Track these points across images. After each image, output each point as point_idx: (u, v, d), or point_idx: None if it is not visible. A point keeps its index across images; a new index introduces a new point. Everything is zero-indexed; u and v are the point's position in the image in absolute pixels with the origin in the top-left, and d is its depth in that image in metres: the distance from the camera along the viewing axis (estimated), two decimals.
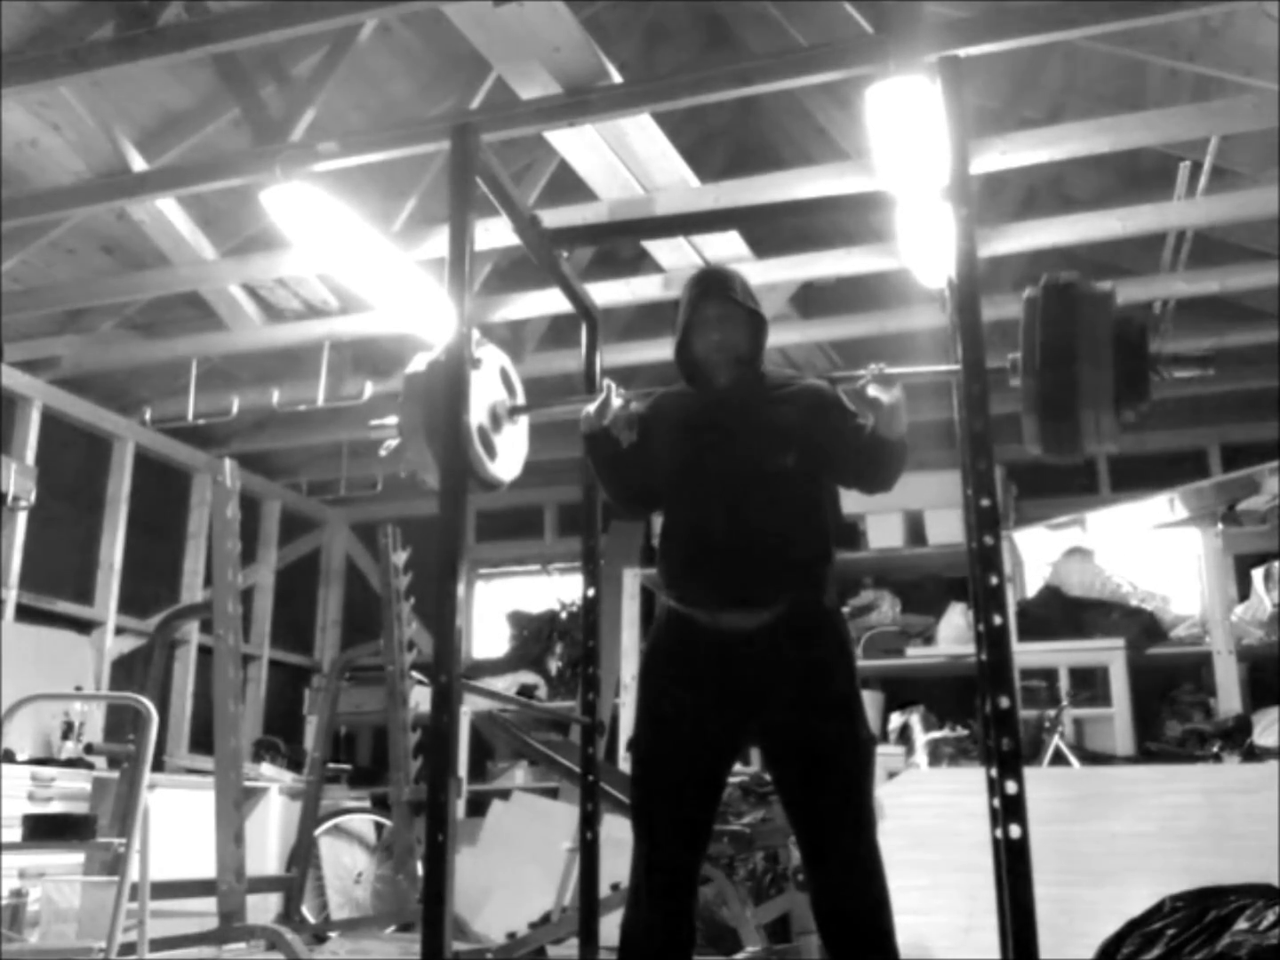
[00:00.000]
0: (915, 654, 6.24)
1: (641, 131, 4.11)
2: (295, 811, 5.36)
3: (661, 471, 2.55)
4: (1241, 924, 3.19)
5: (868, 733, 2.42)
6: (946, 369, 2.38)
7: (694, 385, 2.55)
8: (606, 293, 4.89)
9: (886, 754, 5.57)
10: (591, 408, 2.54)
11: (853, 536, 6.61)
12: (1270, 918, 3.16)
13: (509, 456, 2.67)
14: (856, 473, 2.50)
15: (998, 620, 2.00)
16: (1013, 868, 1.90)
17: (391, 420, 2.60)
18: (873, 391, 2.32)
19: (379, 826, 6.06)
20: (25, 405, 5.83)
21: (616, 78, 3.81)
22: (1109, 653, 5.69)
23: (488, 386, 2.61)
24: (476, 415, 2.43)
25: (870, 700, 6.10)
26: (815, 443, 2.45)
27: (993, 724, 1.96)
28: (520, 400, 2.77)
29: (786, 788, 2.42)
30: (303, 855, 5.01)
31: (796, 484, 2.45)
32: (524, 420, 2.81)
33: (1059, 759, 5.20)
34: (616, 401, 2.52)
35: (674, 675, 2.45)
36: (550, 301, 5.10)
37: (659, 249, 4.94)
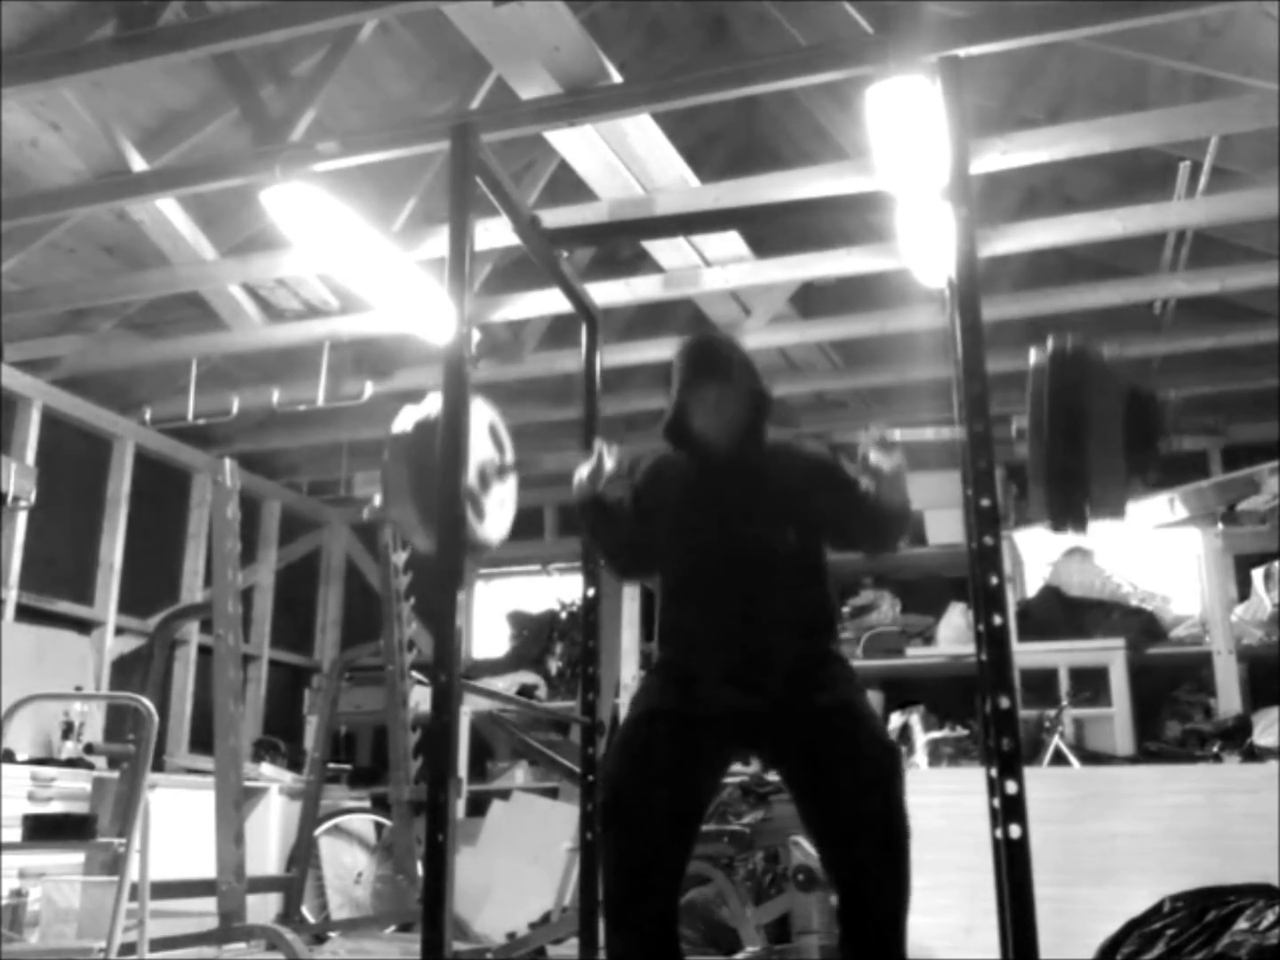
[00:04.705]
0: (915, 654, 6.24)
1: (641, 131, 4.10)
2: (295, 811, 5.36)
3: (660, 544, 2.50)
4: (1241, 924, 3.19)
5: (895, 770, 2.27)
6: (949, 431, 2.30)
7: (691, 454, 2.49)
8: (606, 293, 4.89)
9: None
10: (584, 472, 2.46)
11: None
12: (1270, 918, 3.16)
13: (498, 516, 2.58)
14: (857, 538, 2.47)
15: (998, 620, 2.01)
16: (1013, 868, 1.90)
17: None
18: (874, 459, 2.28)
19: (379, 826, 6.06)
20: (25, 405, 5.82)
21: (616, 78, 3.81)
22: (1109, 653, 5.69)
23: (476, 444, 2.47)
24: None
25: (871, 700, 6.09)
26: (815, 515, 2.42)
27: (993, 724, 1.96)
28: (510, 456, 2.68)
29: (817, 829, 2.32)
30: (303, 855, 5.01)
31: (799, 560, 2.41)
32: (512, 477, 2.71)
33: (1059, 759, 5.20)
34: (609, 464, 2.44)
35: (669, 733, 2.34)
36: (550, 301, 5.10)
37: (659, 249, 4.93)
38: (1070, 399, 2.14)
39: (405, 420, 2.49)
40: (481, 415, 2.56)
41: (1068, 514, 2.17)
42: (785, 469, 2.46)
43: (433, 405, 2.44)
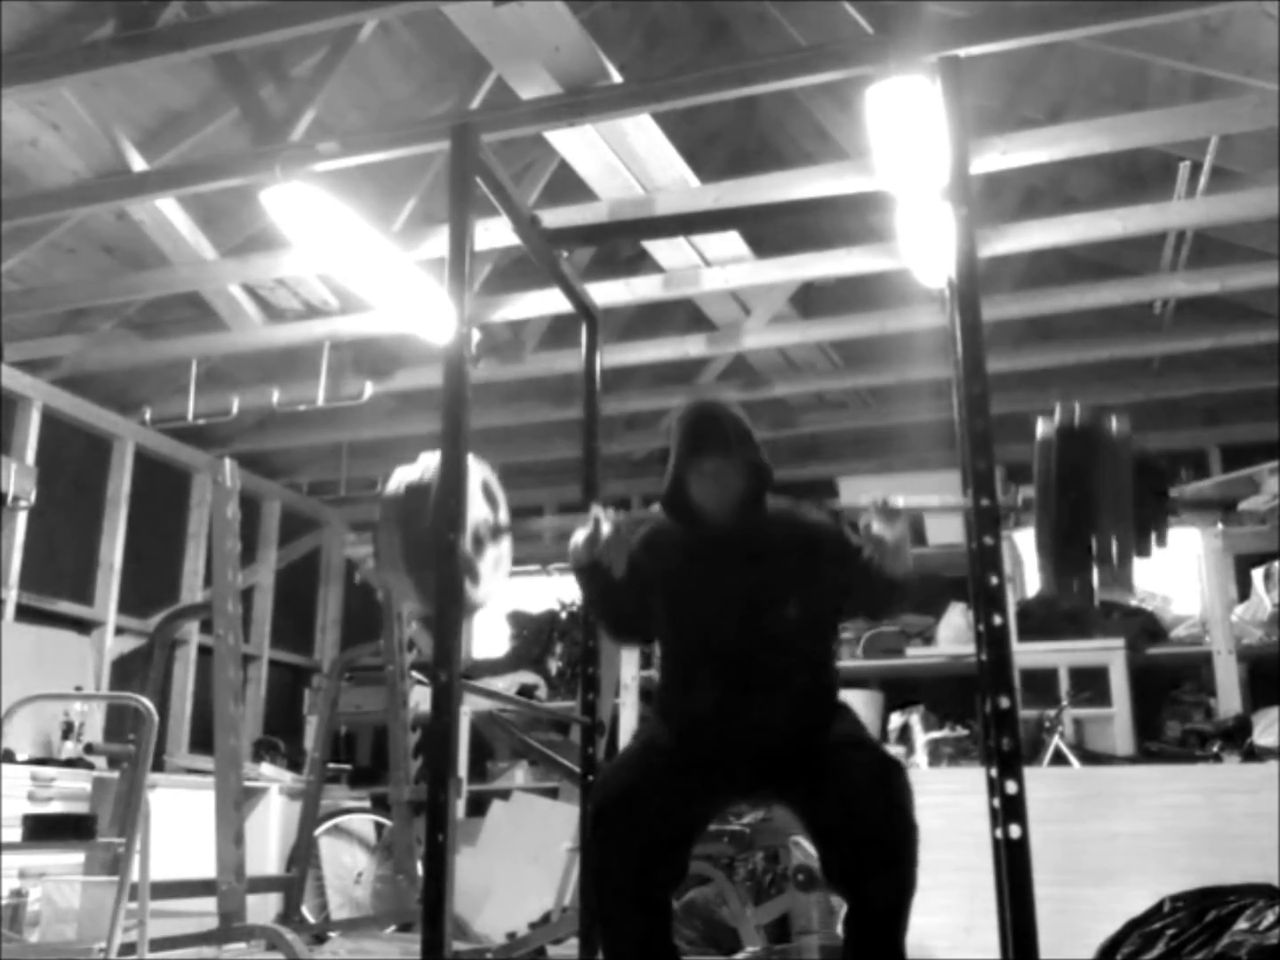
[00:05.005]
0: (915, 654, 6.23)
1: (641, 131, 4.10)
2: (295, 811, 5.36)
3: (659, 617, 2.48)
4: (1241, 924, 3.19)
5: (899, 781, 2.24)
6: (954, 499, 2.26)
7: (690, 526, 2.45)
8: (606, 293, 4.89)
9: None
10: (580, 539, 2.43)
11: None
12: (1270, 918, 3.16)
13: (492, 577, 2.51)
14: (858, 607, 2.44)
15: (998, 620, 2.01)
16: (1013, 868, 1.90)
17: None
18: (876, 529, 2.24)
19: (379, 826, 6.06)
20: (25, 405, 5.82)
21: (616, 78, 3.81)
22: (1109, 653, 5.69)
23: (470, 504, 2.39)
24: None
25: (870, 700, 6.10)
26: (816, 585, 2.39)
27: (993, 724, 1.96)
28: (504, 512, 2.62)
29: (822, 839, 2.31)
30: (303, 855, 5.01)
31: (801, 635, 2.39)
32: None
33: (1059, 759, 5.20)
34: (606, 529, 2.41)
35: (668, 760, 2.34)
36: (550, 301, 5.10)
37: (659, 249, 4.93)
38: (1079, 479, 2.09)
39: (397, 482, 2.42)
40: (475, 473, 2.46)
41: (1074, 591, 2.14)
42: (786, 540, 2.41)
43: (425, 465, 2.38)
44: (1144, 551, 2.12)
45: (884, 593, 2.35)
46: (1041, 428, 2.17)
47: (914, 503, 2.26)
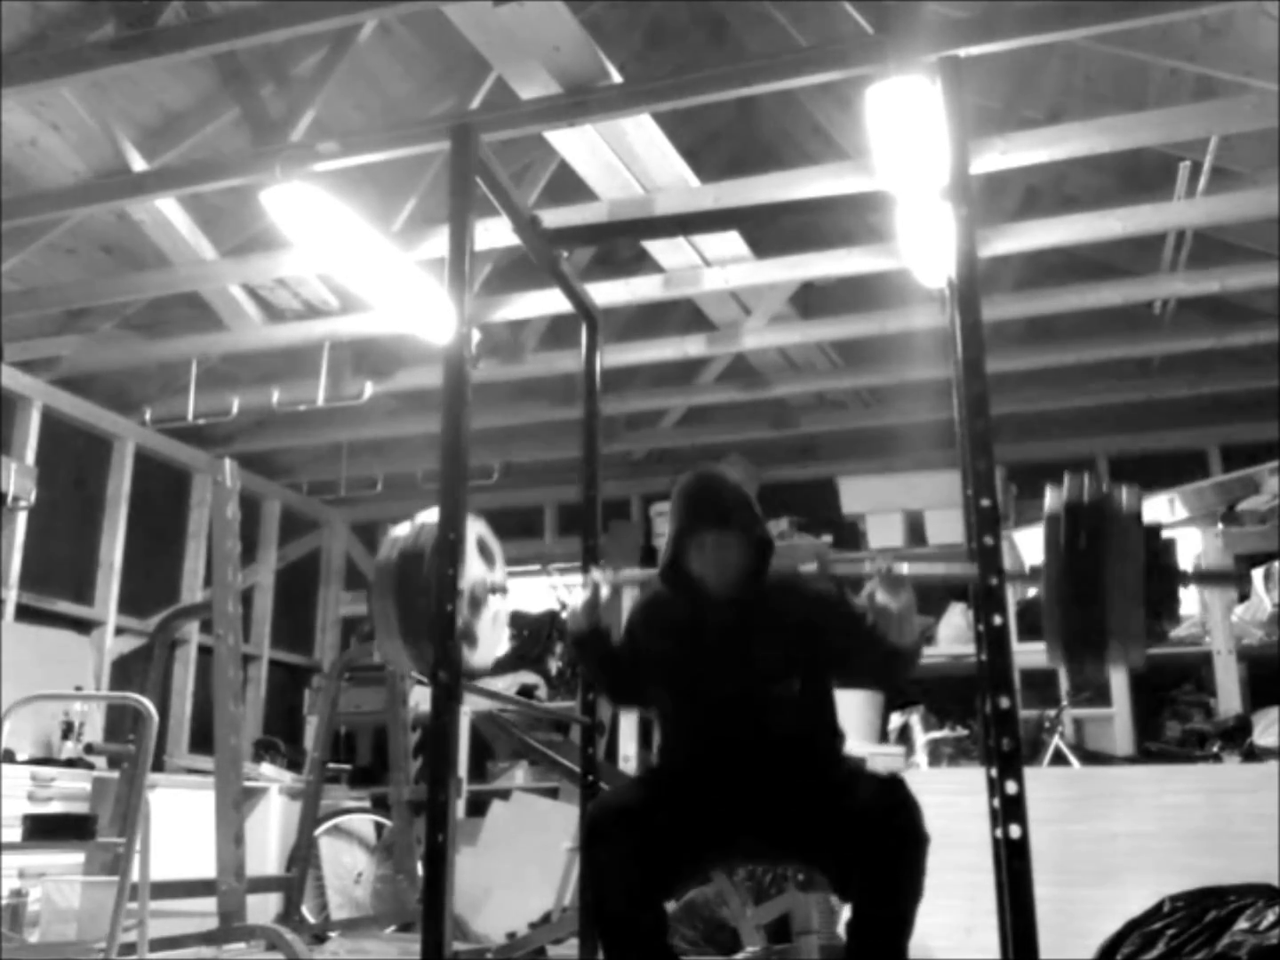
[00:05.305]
0: None
1: (641, 131, 4.11)
2: (295, 811, 5.36)
3: (657, 684, 2.47)
4: (1241, 924, 3.19)
5: (903, 794, 2.25)
6: (961, 569, 2.21)
7: (689, 597, 2.41)
8: (606, 293, 4.89)
9: (886, 754, 5.57)
10: (579, 606, 2.41)
11: (853, 536, 6.62)
12: (1270, 918, 3.16)
13: (490, 637, 2.47)
14: (863, 676, 2.41)
15: (998, 620, 2.01)
16: (1013, 868, 1.90)
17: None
18: (881, 598, 2.22)
19: (379, 826, 6.06)
20: (25, 405, 5.82)
21: (616, 78, 3.81)
22: None
23: (465, 565, 2.31)
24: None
25: (870, 700, 6.09)
26: (818, 657, 2.37)
27: (993, 724, 1.96)
28: (500, 568, 2.58)
29: (828, 859, 2.30)
30: (303, 855, 5.01)
31: (804, 706, 2.37)
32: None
33: (1059, 759, 5.19)
34: (605, 593, 2.39)
35: (669, 789, 2.34)
36: (550, 301, 5.10)
37: (659, 249, 4.94)
38: (1088, 558, 2.04)
39: (390, 548, 2.38)
40: (470, 529, 2.40)
41: (1086, 668, 2.11)
42: (787, 611, 2.38)
43: (418, 527, 2.35)
44: (1154, 629, 2.08)
45: (889, 662, 2.32)
46: (1050, 500, 2.12)
47: (919, 570, 2.23)
